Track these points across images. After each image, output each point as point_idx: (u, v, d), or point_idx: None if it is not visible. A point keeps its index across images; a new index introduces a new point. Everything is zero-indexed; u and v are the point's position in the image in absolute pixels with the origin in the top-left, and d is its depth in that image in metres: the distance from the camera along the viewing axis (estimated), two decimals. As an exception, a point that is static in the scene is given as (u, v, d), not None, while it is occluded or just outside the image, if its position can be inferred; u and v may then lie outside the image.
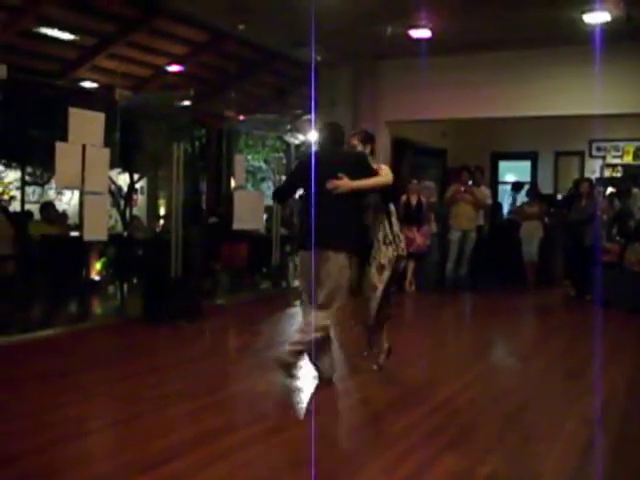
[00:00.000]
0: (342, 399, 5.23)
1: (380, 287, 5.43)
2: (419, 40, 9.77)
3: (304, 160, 5.84)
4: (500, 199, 14.03)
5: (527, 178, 14.23)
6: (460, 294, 10.80)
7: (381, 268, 5.41)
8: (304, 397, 5.17)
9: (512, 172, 14.83)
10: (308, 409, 4.91)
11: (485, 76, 10.51)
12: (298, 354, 5.27)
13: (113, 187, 11.19)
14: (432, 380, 5.72)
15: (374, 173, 5.37)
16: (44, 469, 3.69)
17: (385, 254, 5.40)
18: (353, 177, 5.22)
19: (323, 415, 4.72)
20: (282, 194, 6.10)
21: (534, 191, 12.10)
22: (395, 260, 5.44)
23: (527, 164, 14.65)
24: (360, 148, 5.61)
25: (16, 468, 3.66)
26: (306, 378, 5.49)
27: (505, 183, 14.61)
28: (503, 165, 14.90)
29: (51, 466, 3.73)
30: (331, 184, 5.16)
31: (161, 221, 12.93)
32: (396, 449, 4.04)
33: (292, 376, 5.33)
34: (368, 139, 5.71)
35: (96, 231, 7.36)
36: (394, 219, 5.49)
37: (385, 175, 5.41)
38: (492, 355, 7.30)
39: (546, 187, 13.40)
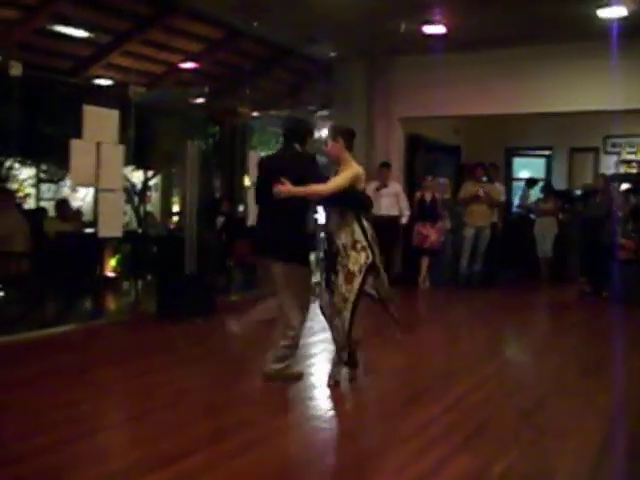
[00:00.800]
0: (356, 396, 5.22)
1: (351, 297, 4.98)
2: (433, 36, 9.74)
3: (260, 161, 5.76)
4: (514, 196, 13.98)
5: (541, 174, 14.16)
6: (474, 290, 10.76)
7: (350, 276, 4.99)
8: (319, 394, 5.17)
9: (526, 168, 14.75)
10: (323, 406, 4.91)
11: (499, 72, 10.45)
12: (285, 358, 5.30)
13: (127, 184, 11.22)
14: (447, 377, 5.70)
15: (320, 177, 5.13)
16: (60, 465, 3.71)
17: (356, 260, 5.00)
18: (297, 181, 4.95)
19: (338, 412, 4.73)
20: (256, 196, 5.71)
21: (548, 187, 12.05)
22: (367, 267, 5.01)
23: (541, 160, 14.57)
24: (330, 145, 5.20)
25: (32, 464, 3.69)
26: (321, 375, 5.49)
27: (519, 180, 14.53)
28: (517, 161, 14.82)
29: (67, 462, 3.76)
30: (274, 189, 4.95)
31: (174, 218, 12.97)
32: (411, 447, 4.03)
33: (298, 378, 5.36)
34: (336, 133, 5.25)
35: (111, 228, 7.40)
36: (366, 223, 5.12)
37: (334, 182, 5.06)
38: (507, 352, 7.27)
39: (561, 183, 13.33)
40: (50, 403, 4.75)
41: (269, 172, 5.20)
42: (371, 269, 5.02)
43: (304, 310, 5.29)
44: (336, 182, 5.05)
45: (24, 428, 4.24)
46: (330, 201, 5.16)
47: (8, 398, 4.84)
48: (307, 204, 5.31)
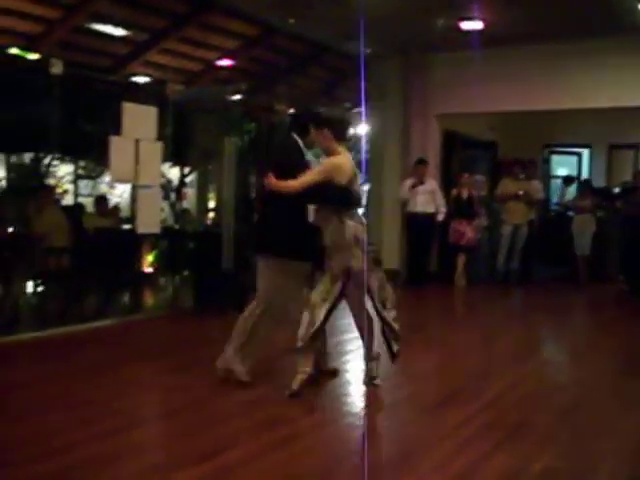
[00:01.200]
0: (394, 393, 5.21)
1: (330, 299, 4.69)
2: (470, 32, 9.68)
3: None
4: (551, 193, 13.85)
5: (579, 171, 14.01)
6: (511, 288, 10.69)
7: (335, 278, 4.71)
8: (354, 391, 5.18)
9: (564, 165, 14.60)
10: (359, 403, 4.92)
11: (537, 68, 10.35)
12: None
13: (164, 180, 11.31)
14: (483, 375, 5.67)
15: (302, 169, 4.79)
16: (102, 457, 3.76)
17: (339, 263, 4.68)
18: (283, 174, 4.72)
19: (374, 409, 4.73)
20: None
21: (586, 185, 11.92)
22: (347, 272, 4.66)
23: (580, 157, 14.42)
24: (313, 133, 4.86)
25: (75, 455, 3.75)
26: (356, 372, 5.50)
27: (556, 177, 14.39)
28: (555, 158, 14.68)
29: (109, 454, 3.81)
30: (265, 181, 4.78)
31: (210, 214, 13.04)
32: (448, 445, 4.03)
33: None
34: (320, 122, 4.86)
35: (149, 224, 7.47)
36: (351, 222, 4.69)
37: (304, 177, 4.70)
38: (544, 351, 7.21)
39: (599, 181, 13.16)
40: (91, 397, 4.82)
41: (265, 164, 5.11)
42: (349, 274, 4.66)
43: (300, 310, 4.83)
44: (306, 177, 4.70)
45: (67, 421, 4.31)
46: (306, 198, 4.77)
47: (48, 392, 4.92)
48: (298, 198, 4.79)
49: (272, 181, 4.72)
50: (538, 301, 10.05)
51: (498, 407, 4.83)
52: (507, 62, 10.45)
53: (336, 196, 4.69)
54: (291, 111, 5.36)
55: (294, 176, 4.70)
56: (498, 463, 3.75)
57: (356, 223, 4.71)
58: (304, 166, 4.87)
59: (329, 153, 4.87)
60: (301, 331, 4.73)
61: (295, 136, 4.98)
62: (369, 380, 5.06)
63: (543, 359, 6.74)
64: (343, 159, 4.79)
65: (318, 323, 4.71)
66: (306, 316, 4.71)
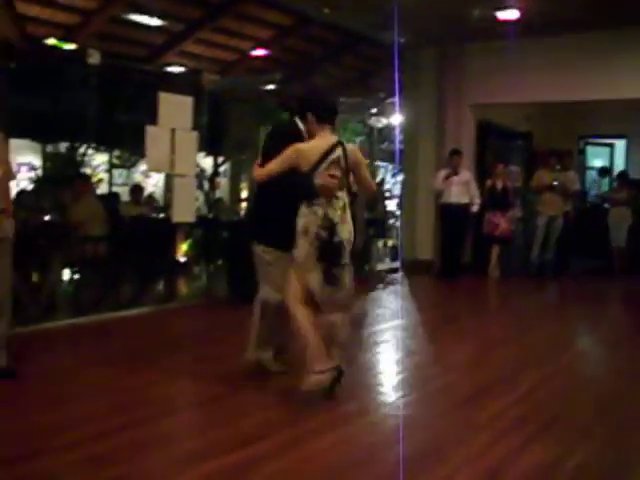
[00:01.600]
0: (428, 384, 5.20)
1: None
2: (506, 21, 9.58)
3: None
4: (587, 184, 13.69)
5: (615, 162, 13.83)
6: (545, 280, 10.61)
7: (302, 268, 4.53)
8: (387, 381, 5.18)
9: (600, 156, 14.42)
10: (392, 393, 4.92)
11: (573, 57, 10.22)
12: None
13: (198, 170, 11.40)
14: (518, 367, 5.64)
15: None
16: (134, 445, 3.80)
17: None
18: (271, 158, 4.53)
19: (407, 400, 4.73)
20: None
21: (623, 176, 11.77)
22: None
23: (612, 148, 14.23)
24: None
25: (106, 443, 3.79)
26: (389, 363, 5.50)
27: (591, 168, 14.22)
28: (590, 149, 14.50)
29: (141, 442, 3.85)
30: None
31: (243, 204, 13.12)
32: (481, 438, 4.01)
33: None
34: (303, 106, 4.70)
35: (184, 213, 7.53)
36: (305, 210, 4.46)
37: (267, 166, 4.52)
38: (580, 343, 7.15)
39: (636, 172, 12.97)
40: (127, 384, 4.88)
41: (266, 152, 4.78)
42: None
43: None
44: (270, 165, 4.51)
45: (98, 409, 4.36)
46: (273, 187, 4.57)
47: (82, 379, 4.99)
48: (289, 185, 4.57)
49: (255, 169, 4.59)
50: (573, 293, 9.96)
51: (533, 400, 4.80)
52: (543, 51, 10.33)
53: (298, 188, 4.49)
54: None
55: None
56: (532, 457, 3.73)
57: (310, 214, 4.45)
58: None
59: (311, 138, 4.66)
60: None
61: (298, 122, 4.77)
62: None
63: (579, 351, 6.68)
64: (312, 144, 4.57)
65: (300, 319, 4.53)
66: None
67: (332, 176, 4.48)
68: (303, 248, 4.45)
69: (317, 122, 4.62)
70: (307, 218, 4.44)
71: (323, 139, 4.58)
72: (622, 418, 4.51)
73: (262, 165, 4.58)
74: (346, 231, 4.53)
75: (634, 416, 4.58)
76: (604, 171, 12.69)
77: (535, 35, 10.12)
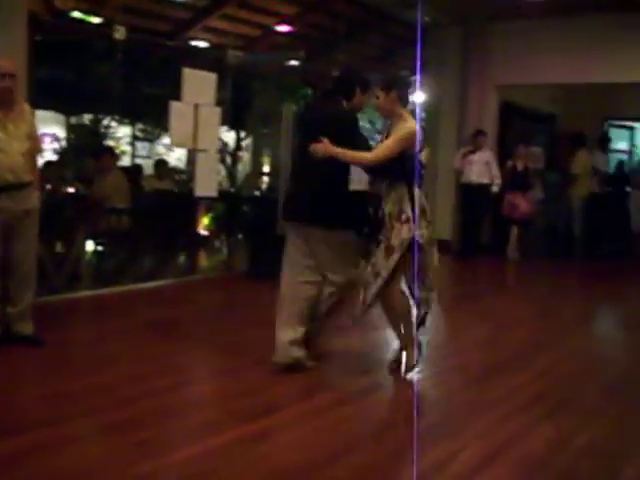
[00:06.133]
0: (442, 362, 5.29)
1: (383, 274, 4.51)
2: (532, 1, 9.52)
3: (297, 115, 5.20)
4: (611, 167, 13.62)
5: (632, 145, 13.73)
6: (564, 262, 10.61)
7: (390, 250, 4.48)
8: (403, 358, 5.26)
9: (625, 139, 14.32)
10: (405, 370, 5.00)
11: (600, 38, 10.11)
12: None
13: (220, 144, 11.48)
14: (533, 347, 5.71)
15: (360, 142, 4.62)
16: (157, 411, 3.93)
17: (398, 233, 4.48)
18: (335, 142, 4.44)
19: (421, 377, 4.81)
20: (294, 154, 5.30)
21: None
22: (408, 243, 4.45)
23: (632, 131, 14.11)
24: (382, 98, 4.58)
25: (132, 409, 3.93)
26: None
27: (617, 151, 14.12)
28: (615, 132, 14.39)
29: (164, 409, 3.98)
30: (312, 147, 4.47)
31: (265, 178, 13.18)
32: (493, 415, 4.09)
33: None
34: (389, 85, 4.60)
35: (206, 187, 7.63)
36: (417, 192, 4.50)
37: (382, 149, 4.52)
38: (595, 325, 7.19)
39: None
40: (148, 354, 5.01)
41: (306, 127, 4.80)
42: (412, 246, 4.44)
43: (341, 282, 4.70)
44: (383, 149, 4.50)
45: (120, 377, 4.49)
46: (376, 171, 4.58)
47: (105, 349, 5.12)
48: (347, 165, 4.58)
49: (327, 148, 4.42)
50: (592, 275, 9.97)
51: (546, 380, 4.87)
52: (569, 32, 10.25)
53: (408, 171, 4.47)
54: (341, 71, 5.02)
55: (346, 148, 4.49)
56: (542, 435, 3.81)
57: (422, 192, 4.54)
58: (363, 141, 4.71)
59: (394, 117, 4.64)
60: (355, 310, 4.70)
61: (344, 102, 4.71)
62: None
63: (594, 333, 6.73)
64: (414, 124, 4.56)
65: (371, 299, 4.61)
66: (360, 293, 4.63)
67: None
68: (425, 227, 4.53)
69: (399, 101, 4.63)
70: (421, 200, 4.50)
71: (412, 120, 4.61)
72: (633, 399, 4.58)
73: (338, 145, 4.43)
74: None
75: (644, 398, 4.64)
76: (603, 140, 12.25)
77: (561, 15, 10.04)
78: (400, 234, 4.47)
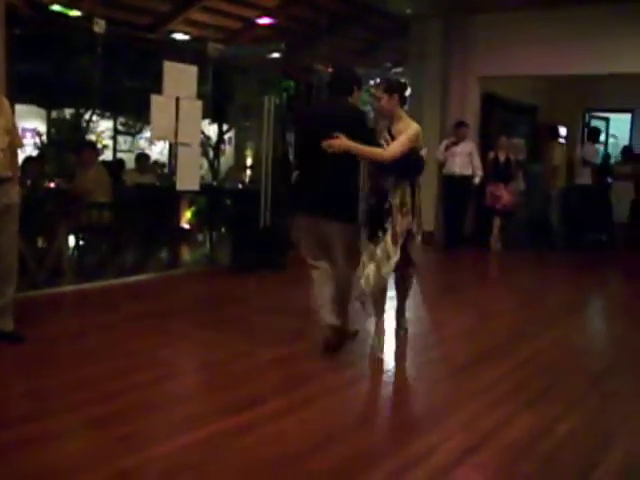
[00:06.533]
0: (425, 353, 5.31)
1: (394, 258, 4.77)
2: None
3: (299, 113, 5.30)
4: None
5: (621, 136, 13.80)
6: (546, 253, 10.67)
7: (395, 237, 4.79)
8: (386, 348, 5.27)
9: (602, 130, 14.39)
10: (390, 361, 5.02)
11: (581, 31, 10.16)
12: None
13: (202, 137, 11.43)
14: (515, 338, 5.74)
15: (371, 138, 4.80)
16: (141, 405, 3.92)
17: (401, 223, 4.81)
18: (349, 137, 4.60)
19: (405, 367, 4.84)
20: (300, 151, 5.45)
21: (627, 151, 11.79)
22: (405, 233, 4.82)
23: (622, 122, 14.19)
24: (385, 100, 4.84)
25: (115, 403, 3.91)
26: (388, 330, 5.59)
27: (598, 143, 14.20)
28: (595, 123, 14.47)
29: (147, 403, 3.97)
30: (325, 143, 4.58)
31: (248, 171, 13.15)
32: (476, 404, 4.11)
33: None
34: (393, 88, 4.89)
35: (189, 181, 7.60)
36: (417, 189, 4.90)
37: (396, 146, 4.73)
38: (578, 315, 7.23)
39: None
40: (131, 348, 4.99)
41: (317, 123, 4.87)
42: (410, 235, 4.88)
43: (355, 269, 4.92)
44: (399, 147, 4.73)
45: (104, 372, 4.46)
46: (387, 167, 4.78)
47: (87, 344, 5.09)
48: (357, 161, 4.84)
49: (343, 143, 4.57)
50: (573, 266, 10.03)
51: (528, 369, 4.90)
52: (550, 24, 10.29)
53: (415, 167, 4.87)
54: (331, 69, 5.20)
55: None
56: (523, 423, 3.83)
57: (419, 189, 4.94)
58: (373, 137, 4.87)
59: (393, 118, 4.93)
60: (368, 288, 4.85)
61: (349, 99, 4.91)
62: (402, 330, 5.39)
63: (576, 323, 6.77)
64: (417, 125, 4.93)
65: (384, 281, 4.88)
66: (371, 271, 4.81)
67: None
68: (414, 221, 4.88)
69: (400, 103, 4.95)
70: (418, 194, 4.90)
71: (413, 121, 4.96)
72: (615, 388, 4.62)
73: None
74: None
75: (628, 386, 4.68)
76: (595, 132, 12.28)
77: (542, 7, 10.08)
78: (403, 224, 4.79)
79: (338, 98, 4.94)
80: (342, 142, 4.56)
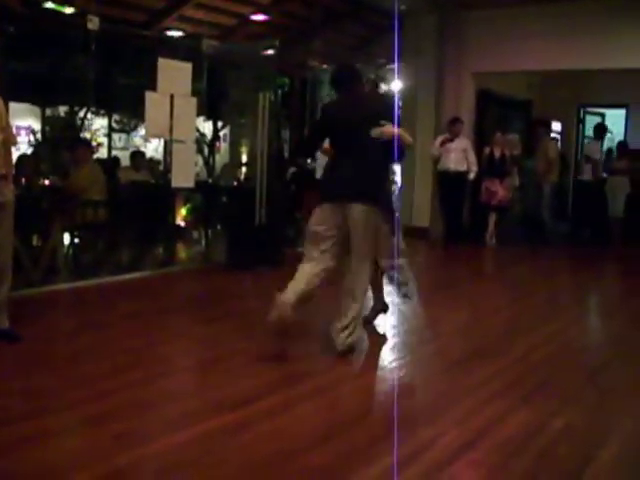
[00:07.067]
0: (421, 348, 5.32)
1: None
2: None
3: (329, 107, 5.24)
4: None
5: (616, 131, 13.81)
6: (542, 248, 10.68)
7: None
8: (382, 345, 5.28)
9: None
10: (387, 356, 5.02)
11: (575, 26, 10.17)
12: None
13: (197, 134, 11.41)
14: (511, 333, 5.74)
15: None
16: (137, 403, 3.92)
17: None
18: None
19: (402, 363, 4.84)
20: (308, 148, 5.72)
21: (623, 146, 11.81)
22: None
23: (617, 117, 14.20)
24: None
25: (111, 401, 3.91)
26: (386, 327, 5.60)
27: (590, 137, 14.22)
28: (590, 118, 14.49)
29: (144, 401, 3.96)
30: (376, 131, 4.65)
31: (243, 168, 13.15)
32: (471, 400, 4.12)
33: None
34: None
35: (183, 178, 7.59)
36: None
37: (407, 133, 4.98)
38: (573, 311, 7.24)
39: (637, 142, 12.97)
40: (127, 346, 4.98)
41: (350, 114, 4.86)
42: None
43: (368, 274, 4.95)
44: (407, 134, 4.98)
45: (99, 369, 4.45)
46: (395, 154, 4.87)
47: (83, 342, 5.08)
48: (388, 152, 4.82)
49: (390, 129, 4.68)
50: (568, 261, 10.05)
51: (524, 365, 4.91)
52: (544, 19, 10.30)
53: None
54: (333, 66, 5.33)
55: None
56: (519, 419, 3.84)
57: None
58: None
59: None
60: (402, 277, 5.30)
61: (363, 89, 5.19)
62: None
63: (572, 319, 6.77)
64: None
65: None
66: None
67: None
68: None
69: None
70: None
71: None
72: (611, 383, 4.63)
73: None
74: None
75: (623, 382, 4.69)
76: (600, 129, 12.27)
77: (536, 3, 10.09)
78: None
79: (355, 89, 5.01)
80: (391, 130, 4.68)
